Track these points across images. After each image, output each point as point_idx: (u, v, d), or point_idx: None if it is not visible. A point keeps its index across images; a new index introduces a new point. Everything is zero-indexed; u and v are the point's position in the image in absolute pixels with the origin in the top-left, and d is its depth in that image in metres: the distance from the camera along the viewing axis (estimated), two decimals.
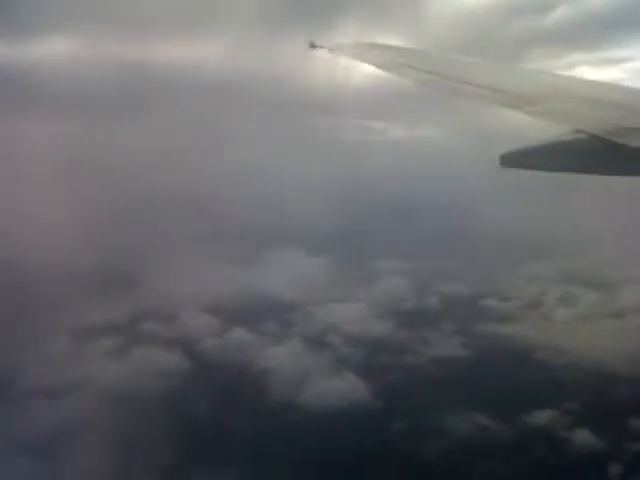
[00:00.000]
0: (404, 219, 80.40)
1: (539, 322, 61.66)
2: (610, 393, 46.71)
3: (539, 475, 37.79)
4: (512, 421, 43.50)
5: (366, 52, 12.64)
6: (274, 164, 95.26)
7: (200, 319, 60.26)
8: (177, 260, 69.62)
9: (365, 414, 45.17)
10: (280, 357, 53.32)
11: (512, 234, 75.05)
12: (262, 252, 74.75)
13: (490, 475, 37.87)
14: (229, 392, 48.26)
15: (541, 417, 43.81)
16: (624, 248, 69.04)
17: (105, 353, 54.42)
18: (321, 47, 12.63)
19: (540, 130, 8.13)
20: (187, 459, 40.39)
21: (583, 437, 41.32)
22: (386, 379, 50.55)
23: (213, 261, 70.13)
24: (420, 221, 79.78)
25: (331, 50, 12.62)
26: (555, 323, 61.41)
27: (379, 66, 11.36)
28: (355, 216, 79.68)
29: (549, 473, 37.89)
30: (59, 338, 55.44)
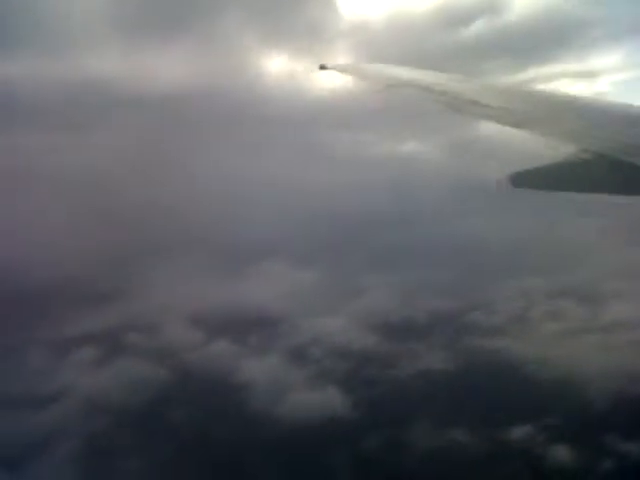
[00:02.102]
0: (391, 232, 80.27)
1: (526, 336, 61.22)
2: (592, 409, 46.42)
3: None
4: (489, 436, 43.29)
5: (374, 73, 12.96)
6: (262, 176, 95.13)
7: (183, 330, 60.28)
8: (162, 271, 69.54)
9: (343, 427, 44.93)
10: (262, 370, 53.18)
11: (502, 249, 75.10)
12: (249, 264, 74.41)
13: None
14: (209, 404, 48.35)
15: (520, 432, 43.47)
16: (614, 263, 69.32)
17: (87, 363, 54.50)
18: (331, 69, 13.10)
19: (544, 150, 8.13)
20: (165, 469, 40.20)
21: (559, 453, 41.02)
22: (368, 393, 50.30)
23: (198, 273, 70.10)
24: (407, 234, 79.52)
25: (340, 71, 13.12)
26: (542, 337, 60.99)
27: (385, 85, 11.58)
28: (343, 229, 79.54)
29: None
30: (42, 348, 55.50)
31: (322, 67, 13.10)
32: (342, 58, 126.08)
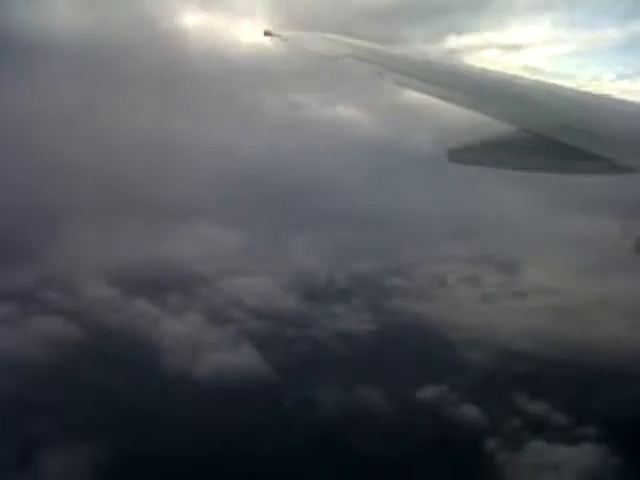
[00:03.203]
0: (318, 195, 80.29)
1: (444, 300, 62.59)
2: (502, 370, 48.10)
3: (410, 447, 38.52)
4: (403, 395, 44.51)
5: (318, 42, 12.76)
6: (188, 136, 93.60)
7: (101, 289, 59.28)
8: (82, 228, 67.83)
9: (261, 387, 45.15)
10: (180, 329, 52.90)
11: (425, 216, 76.24)
12: (171, 223, 73.25)
13: (365, 446, 38.36)
14: (125, 363, 47.51)
15: (431, 392, 44.82)
16: (533, 233, 71.47)
17: (1, 319, 53.11)
18: (275, 35, 12.86)
19: (479, 126, 8.25)
20: (79, 429, 39.64)
21: (468, 412, 42.41)
22: (287, 353, 50.72)
23: (120, 231, 68.63)
24: (332, 198, 79.70)
25: (284, 39, 12.89)
26: (459, 301, 62.48)
27: (328, 55, 11.59)
28: (269, 190, 79.02)
29: (423, 445, 38.71)
30: None
31: (267, 33, 12.97)
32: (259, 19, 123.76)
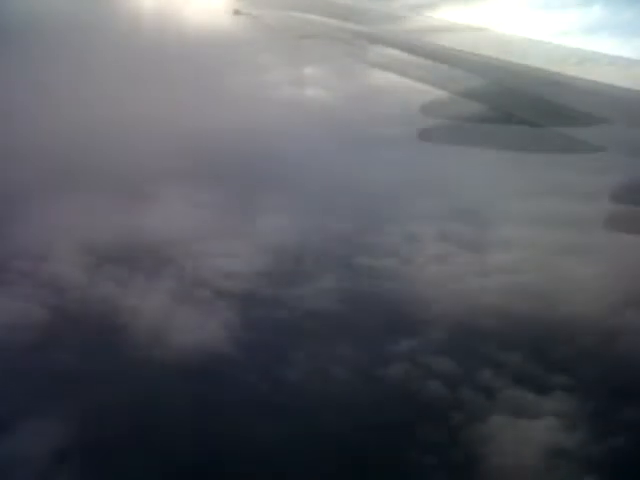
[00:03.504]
0: (285, 175, 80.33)
1: (411, 279, 62.80)
2: (468, 348, 48.48)
3: (378, 421, 38.75)
4: (369, 371, 44.99)
5: (288, 21, 12.71)
6: (152, 112, 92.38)
7: (64, 268, 58.61)
8: (45, 207, 66.90)
9: (226, 366, 45.08)
10: (144, 309, 52.27)
11: (392, 195, 76.68)
12: (137, 201, 72.59)
13: (335, 420, 38.80)
14: (87, 343, 47.07)
15: (395, 369, 45.20)
16: (503, 213, 72.26)
17: None
18: (244, 14, 12.74)
19: (452, 106, 8.25)
20: (43, 412, 38.86)
21: (433, 387, 43.04)
22: (254, 331, 50.56)
23: (83, 209, 67.71)
24: (298, 176, 79.83)
25: (254, 17, 12.73)
26: (426, 280, 62.69)
27: (298, 34, 11.60)
28: (236, 169, 78.80)
29: (392, 419, 39.01)
30: None
31: (236, 12, 12.77)
32: None
